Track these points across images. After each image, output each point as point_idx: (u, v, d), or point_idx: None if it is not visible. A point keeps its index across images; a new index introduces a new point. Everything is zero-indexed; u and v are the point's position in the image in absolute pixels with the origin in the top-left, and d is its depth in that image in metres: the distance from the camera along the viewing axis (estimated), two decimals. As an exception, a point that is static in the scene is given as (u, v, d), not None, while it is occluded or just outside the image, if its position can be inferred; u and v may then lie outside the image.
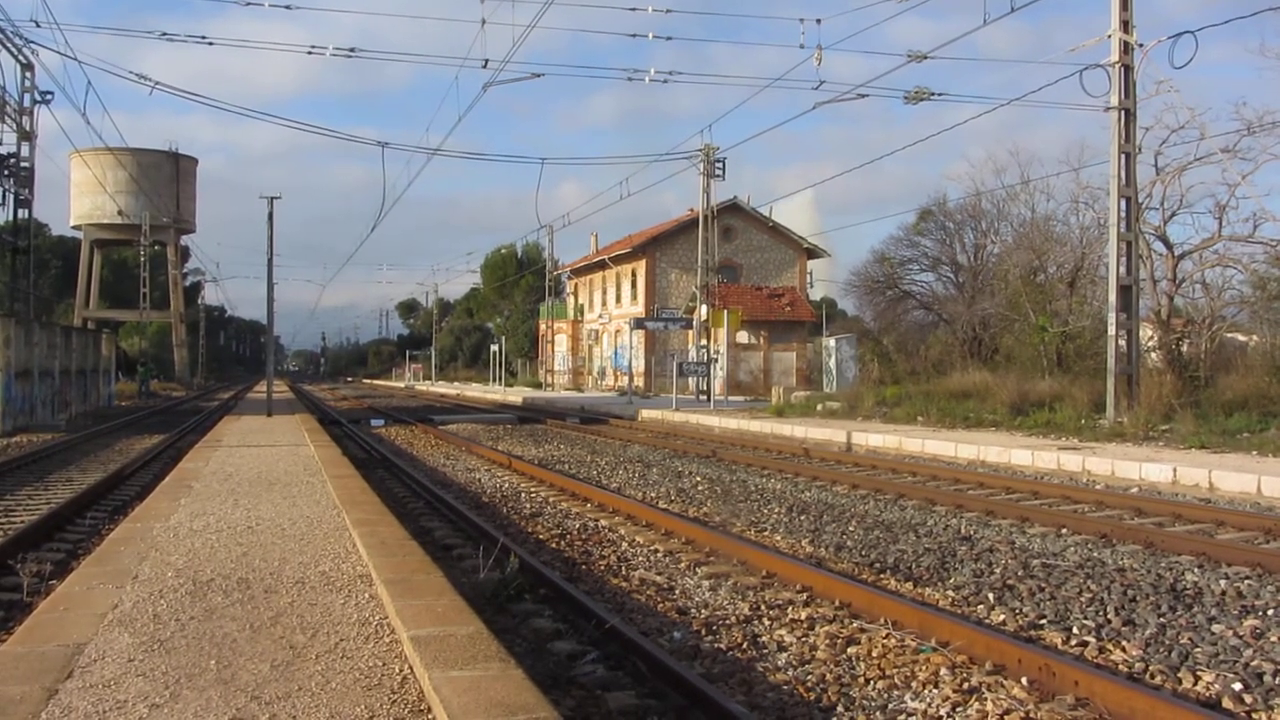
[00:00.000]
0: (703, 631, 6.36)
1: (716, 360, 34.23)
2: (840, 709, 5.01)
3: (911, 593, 7.41)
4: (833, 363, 34.16)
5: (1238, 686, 5.24)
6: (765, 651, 5.94)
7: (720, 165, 33.82)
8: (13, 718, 3.92)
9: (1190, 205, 25.02)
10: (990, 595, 7.28)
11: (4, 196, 31.94)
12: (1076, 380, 22.65)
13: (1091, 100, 18.93)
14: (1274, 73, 63.32)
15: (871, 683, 5.37)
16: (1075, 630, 6.37)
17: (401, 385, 70.34)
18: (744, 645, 6.06)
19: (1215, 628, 6.35)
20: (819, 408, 26.75)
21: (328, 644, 4.97)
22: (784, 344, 46.59)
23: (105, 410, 34.23)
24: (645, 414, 29.62)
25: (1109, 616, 6.64)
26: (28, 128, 31.56)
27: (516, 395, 45.87)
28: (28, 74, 30.98)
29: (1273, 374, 20.02)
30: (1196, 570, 8.00)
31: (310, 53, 21.51)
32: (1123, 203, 19.12)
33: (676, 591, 7.45)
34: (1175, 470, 13.06)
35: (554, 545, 9.38)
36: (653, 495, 12.84)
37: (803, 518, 10.82)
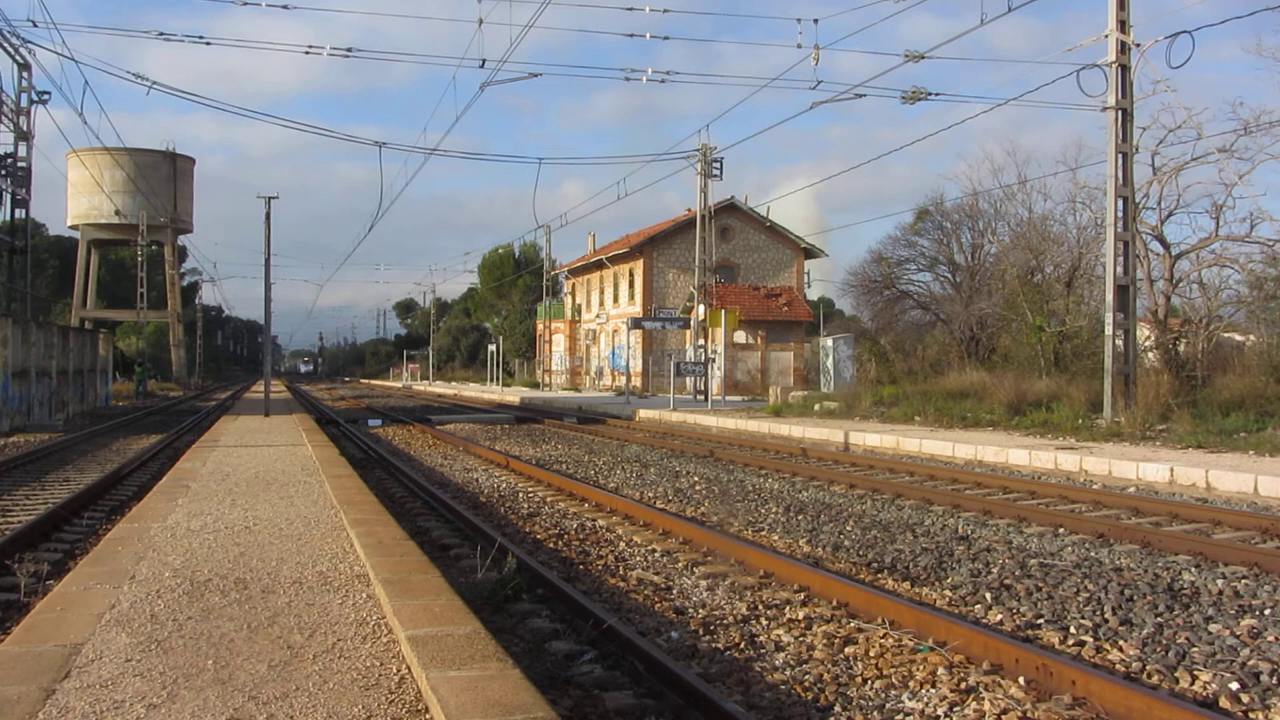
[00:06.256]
0: (700, 631, 6.36)
1: (714, 360, 34.23)
2: (838, 708, 5.02)
3: (909, 592, 7.42)
4: (830, 362, 34.16)
5: (1235, 686, 5.25)
6: (763, 651, 5.94)
7: (718, 165, 33.86)
8: (10, 718, 3.92)
9: (1187, 205, 25.12)
10: (987, 595, 7.28)
11: (1, 196, 31.97)
12: (1073, 380, 22.70)
13: (1089, 100, 18.98)
14: (1271, 72, 63.41)
15: (869, 682, 5.37)
16: (1072, 630, 6.37)
17: (399, 385, 70.33)
18: (741, 645, 6.06)
19: (1212, 627, 6.36)
20: (816, 407, 26.76)
21: (325, 644, 4.96)
22: (781, 344, 46.60)
23: (102, 410, 34.19)
24: (643, 414, 29.62)
25: (1106, 616, 6.64)
26: (25, 127, 31.57)
27: (514, 395, 45.86)
28: (25, 74, 31.01)
29: (1269, 374, 20.06)
30: (1194, 570, 8.02)
31: (308, 52, 21.52)
32: (1120, 202, 19.14)
33: (674, 591, 7.45)
34: (1172, 470, 13.08)
35: (552, 545, 9.38)
36: (650, 495, 12.84)
37: (800, 517, 10.82)
